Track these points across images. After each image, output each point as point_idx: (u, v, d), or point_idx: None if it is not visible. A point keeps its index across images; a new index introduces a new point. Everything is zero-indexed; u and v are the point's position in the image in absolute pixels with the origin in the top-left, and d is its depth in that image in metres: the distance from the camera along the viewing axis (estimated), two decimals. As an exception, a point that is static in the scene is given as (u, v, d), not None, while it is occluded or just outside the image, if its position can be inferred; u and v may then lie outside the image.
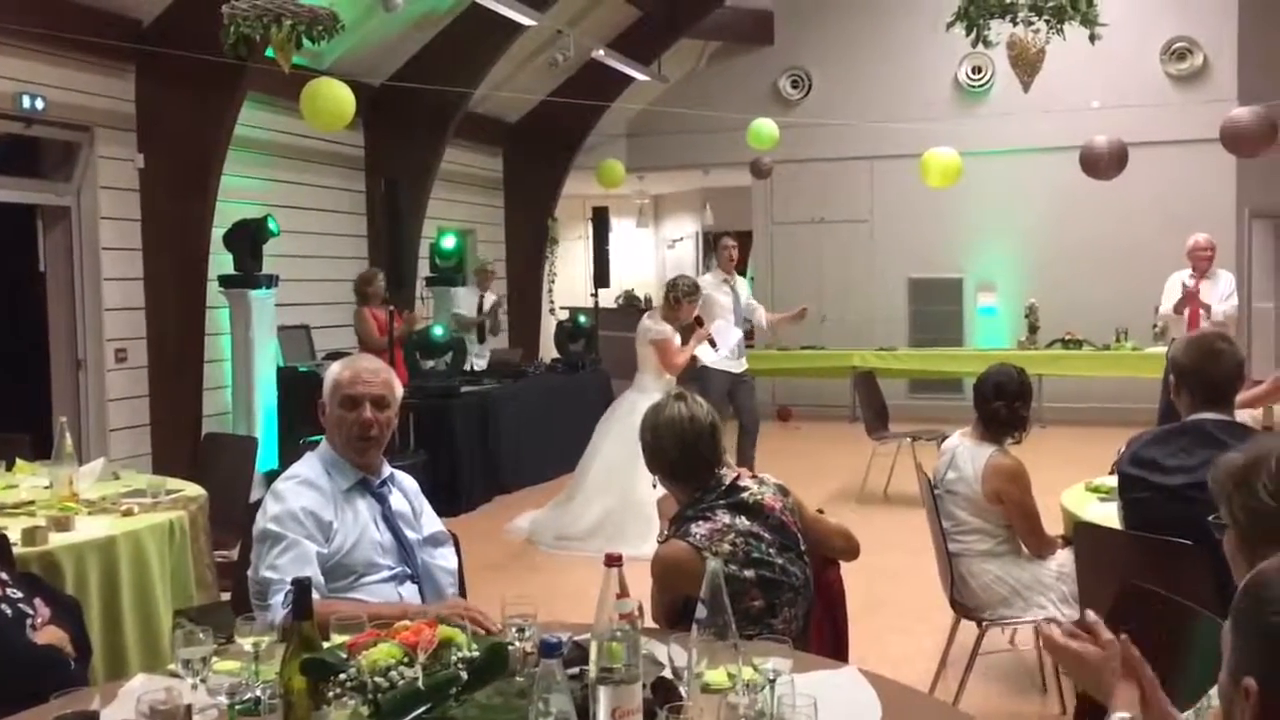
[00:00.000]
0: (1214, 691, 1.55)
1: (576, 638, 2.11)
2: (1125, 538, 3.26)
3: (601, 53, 10.36)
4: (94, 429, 7.30)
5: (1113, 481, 4.20)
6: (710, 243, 16.81)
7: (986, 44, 5.93)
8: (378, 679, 1.66)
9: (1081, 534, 3.45)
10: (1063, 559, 3.91)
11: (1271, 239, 12.41)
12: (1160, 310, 8.44)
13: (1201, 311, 7.85)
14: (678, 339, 6.96)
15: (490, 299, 10.44)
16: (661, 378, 6.88)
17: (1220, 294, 7.99)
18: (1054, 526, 4.09)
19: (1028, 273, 11.95)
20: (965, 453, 4.02)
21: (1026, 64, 5.75)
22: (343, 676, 1.69)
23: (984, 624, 3.94)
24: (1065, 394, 11.31)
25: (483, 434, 8.40)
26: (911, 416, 9.49)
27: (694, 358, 7.23)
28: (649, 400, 6.20)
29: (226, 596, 4.04)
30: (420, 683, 1.66)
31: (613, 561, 2.00)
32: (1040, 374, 11.06)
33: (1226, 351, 3.19)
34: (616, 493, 6.70)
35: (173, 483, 4.42)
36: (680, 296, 6.92)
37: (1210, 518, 1.81)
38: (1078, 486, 4.27)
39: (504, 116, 11.95)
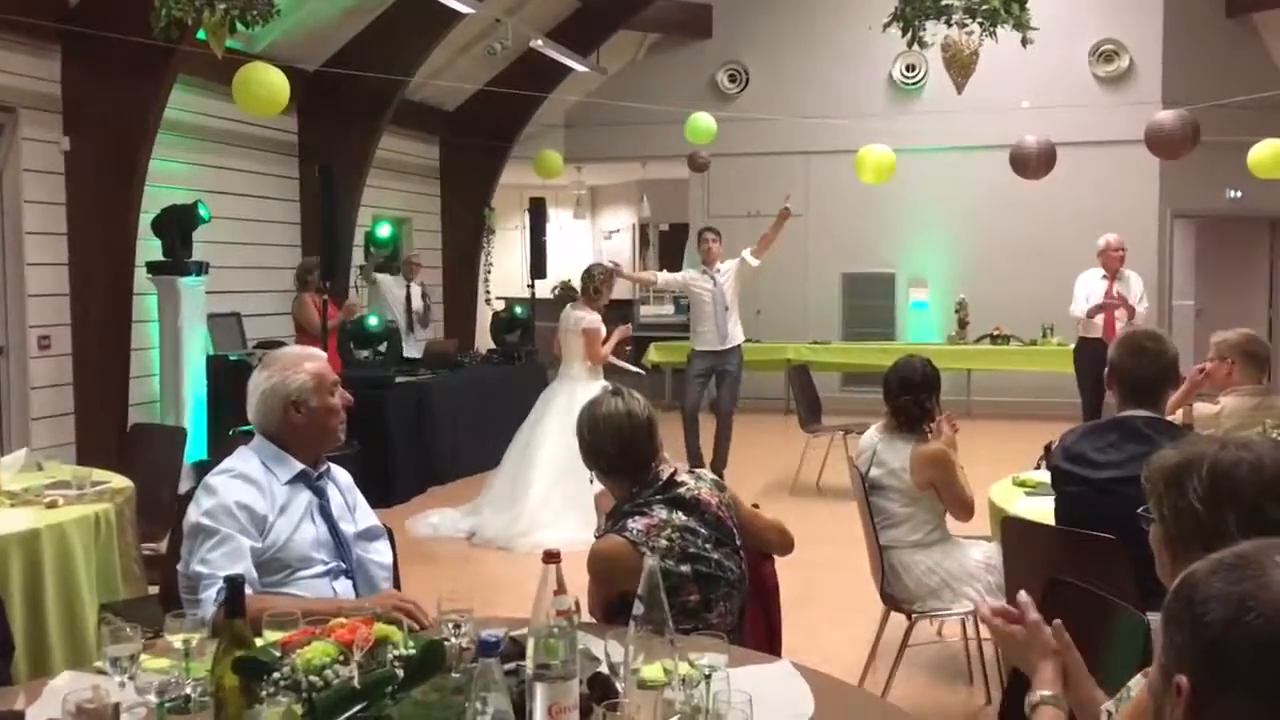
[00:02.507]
0: (1133, 682, 1.60)
1: (513, 633, 2.11)
2: (1050, 532, 3.33)
3: (540, 42, 10.31)
4: (15, 417, 7.11)
5: (1039, 476, 4.32)
6: (645, 236, 16.86)
7: (922, 45, 6.02)
8: (312, 678, 1.64)
9: (1008, 528, 3.52)
10: (990, 550, 4.00)
11: (1192, 239, 12.77)
12: (1072, 311, 8.43)
13: (1117, 316, 8.02)
14: (613, 333, 7.19)
15: (417, 290, 10.31)
16: (590, 367, 7.06)
17: (1134, 295, 8.18)
18: (981, 520, 4.17)
19: (958, 269, 12.15)
20: (887, 448, 4.08)
21: (960, 65, 5.85)
22: (276, 675, 1.68)
23: (913, 616, 4.01)
24: (993, 388, 11.54)
25: (417, 425, 8.34)
26: (844, 409, 9.59)
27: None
28: (585, 389, 6.50)
29: (154, 590, 3.97)
30: (356, 681, 1.65)
31: (551, 558, 2.01)
32: (969, 368, 11.32)
33: (1153, 350, 3.26)
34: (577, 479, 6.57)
35: (99, 474, 4.32)
36: (599, 285, 7.19)
37: (1140, 510, 1.87)
38: (1005, 481, 4.35)
39: (441, 104, 11.85)
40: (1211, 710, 1.05)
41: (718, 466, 8.13)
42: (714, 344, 8.17)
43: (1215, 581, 1.08)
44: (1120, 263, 8.19)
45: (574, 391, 6.78)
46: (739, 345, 8.30)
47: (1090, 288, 8.29)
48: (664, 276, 8.85)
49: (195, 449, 7.14)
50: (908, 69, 12.29)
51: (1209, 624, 1.06)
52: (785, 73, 12.62)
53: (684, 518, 2.68)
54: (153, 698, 1.90)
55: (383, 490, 7.42)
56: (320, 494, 2.78)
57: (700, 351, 8.24)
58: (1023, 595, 1.89)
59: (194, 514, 2.63)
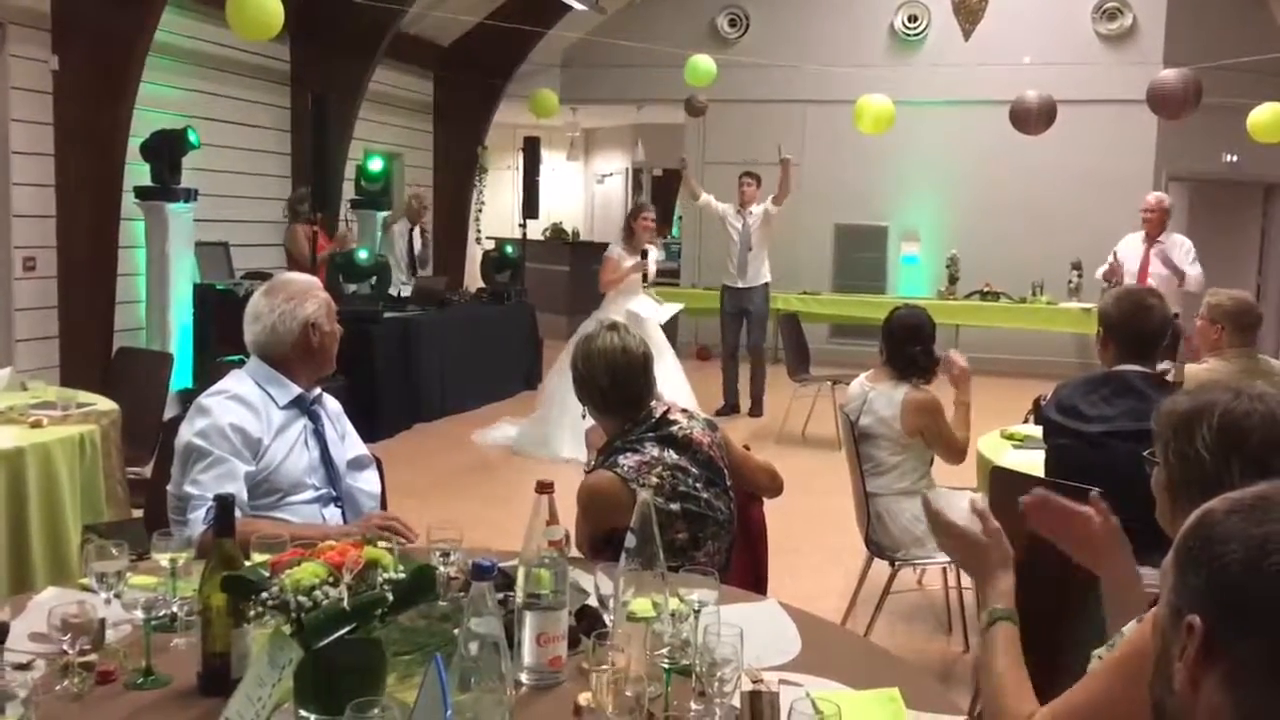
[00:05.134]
0: (1127, 628, 1.60)
1: (503, 564, 2.11)
2: (1038, 483, 3.34)
3: (539, -23, 10.16)
4: (0, 338, 7.05)
5: (1027, 429, 4.33)
6: (639, 181, 16.74)
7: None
8: (301, 598, 1.63)
9: (996, 479, 3.53)
10: (977, 499, 4.00)
11: (1185, 202, 12.72)
12: (1096, 274, 7.94)
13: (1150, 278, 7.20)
14: (627, 262, 7.64)
15: (419, 235, 10.22)
16: (612, 297, 7.59)
17: (1181, 258, 7.39)
18: (968, 472, 4.19)
19: (951, 224, 12.11)
20: (879, 396, 4.08)
21: (969, 12, 5.78)
22: (265, 595, 1.66)
23: (896, 564, 4.03)
24: (981, 344, 11.51)
25: (405, 361, 8.31)
26: (831, 360, 9.60)
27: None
28: (608, 314, 6.94)
29: (139, 513, 3.96)
30: (345, 603, 1.64)
31: (543, 489, 2.00)
32: (958, 324, 11.30)
33: (1156, 307, 3.27)
34: None
35: (84, 396, 4.29)
36: (630, 222, 7.77)
37: (1145, 453, 1.87)
38: (993, 434, 4.37)
39: (437, 39, 11.68)
40: (1226, 651, 1.04)
41: (755, 402, 8.87)
42: (734, 280, 8.87)
43: (1235, 521, 1.07)
44: (1161, 225, 7.46)
45: (604, 314, 7.32)
46: (763, 285, 8.92)
47: (1128, 252, 7.59)
48: (709, 199, 9.19)
49: (180, 377, 7.10)
50: (910, 19, 12.15)
51: (1227, 564, 1.05)
52: (786, 18, 12.47)
53: (675, 456, 2.67)
54: (139, 614, 1.89)
55: (369, 425, 7.39)
56: (315, 419, 2.78)
57: (726, 287, 8.99)
58: (978, 500, 1.90)
59: (186, 434, 2.61)
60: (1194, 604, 1.06)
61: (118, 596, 1.99)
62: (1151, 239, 7.47)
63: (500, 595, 1.97)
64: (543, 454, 7.30)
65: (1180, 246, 7.46)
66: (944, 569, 4.38)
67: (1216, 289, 4.38)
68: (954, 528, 1.87)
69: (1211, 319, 4.23)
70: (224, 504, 1.89)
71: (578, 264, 13.93)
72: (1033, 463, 3.58)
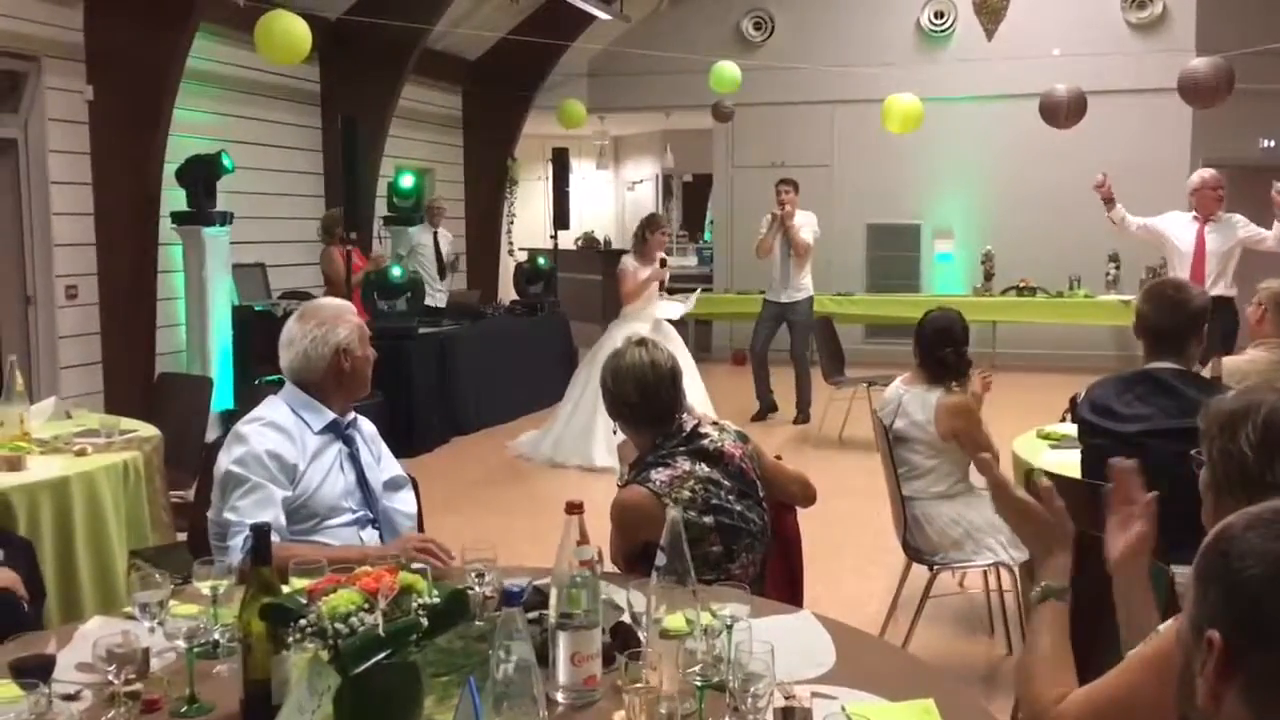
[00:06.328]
0: (1163, 627, 1.59)
1: (537, 582, 2.13)
2: (1075, 485, 3.31)
3: (563, -11, 10.20)
4: (45, 366, 7.18)
5: (1064, 429, 4.29)
6: (669, 186, 16.77)
7: (950, -9, 5.90)
8: (338, 625, 1.66)
9: (1033, 481, 3.49)
10: (1043, 480, 3.98)
11: (1225, 189, 12.55)
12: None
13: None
14: (643, 273, 7.64)
15: (445, 236, 10.26)
16: (633, 309, 7.63)
17: (1254, 234, 6.82)
18: (1005, 472, 4.15)
19: (984, 220, 12.02)
20: (913, 399, 4.07)
21: (990, 11, 5.75)
22: (302, 622, 1.69)
23: (935, 567, 4.02)
24: (1019, 340, 11.46)
25: (441, 375, 8.38)
26: (867, 361, 9.56)
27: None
28: (627, 329, 6.92)
29: (182, 537, 4.02)
30: (380, 629, 1.67)
31: (573, 509, 2.02)
32: (995, 320, 11.23)
33: (1175, 299, 3.22)
34: None
35: (127, 422, 4.37)
36: (642, 233, 7.76)
37: (1193, 452, 1.86)
38: (1029, 434, 4.34)
39: (464, 53, 11.76)
40: (1245, 666, 1.04)
41: (800, 409, 8.80)
42: (777, 294, 8.82)
43: (1253, 537, 1.07)
44: (1219, 203, 6.84)
45: (620, 331, 7.36)
46: (807, 300, 8.85)
47: (1178, 231, 6.95)
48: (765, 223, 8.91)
49: (221, 398, 7.20)
50: (936, 15, 12.08)
51: (1246, 580, 1.05)
52: (811, 19, 12.44)
53: (707, 469, 2.68)
54: (181, 643, 1.93)
55: (406, 440, 7.47)
56: (349, 443, 2.81)
57: (767, 299, 8.95)
58: (1044, 480, 1.90)
59: (225, 462, 2.65)
60: (1213, 619, 1.06)
61: (161, 625, 2.03)
62: (1207, 218, 6.87)
63: (534, 614, 2.00)
64: (548, 460, 7.50)
65: (1244, 223, 6.89)
66: (984, 571, 4.36)
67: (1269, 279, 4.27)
68: (1020, 501, 1.86)
69: (1259, 302, 4.16)
70: (260, 533, 1.93)
71: (610, 272, 13.92)
72: (1070, 463, 3.55)
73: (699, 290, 8.79)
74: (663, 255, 7.76)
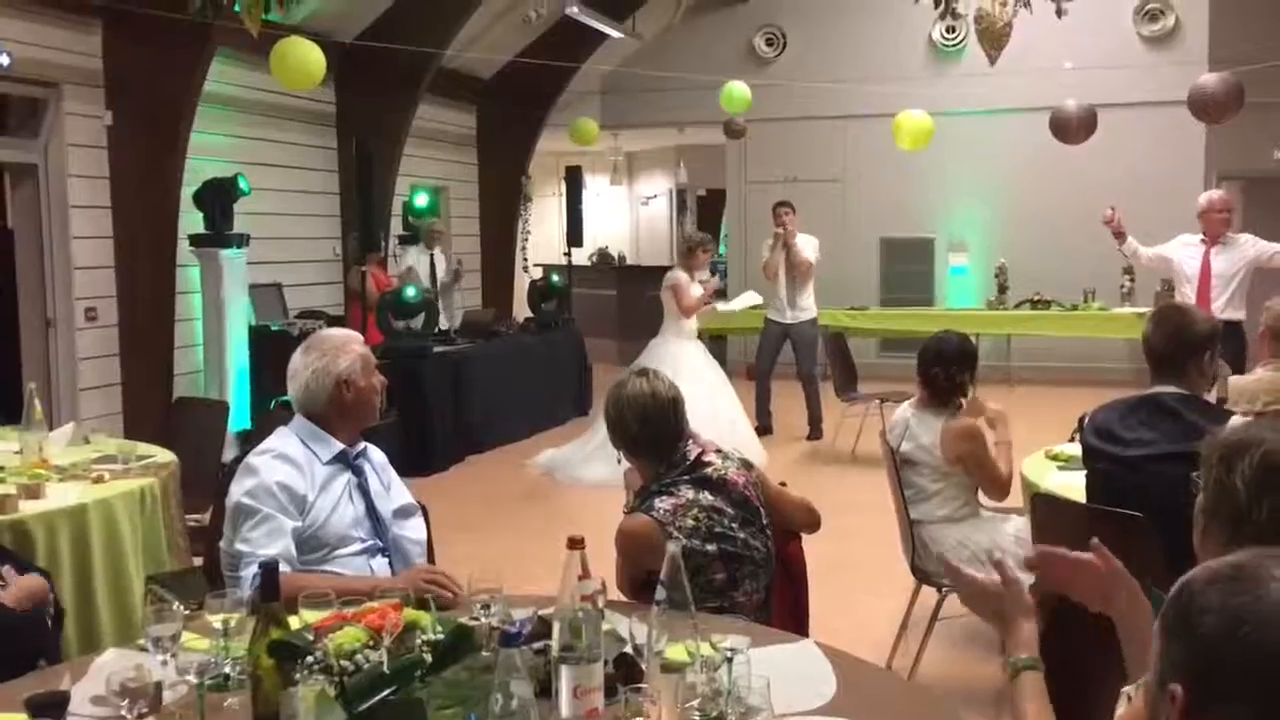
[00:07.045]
0: (1133, 691, 1.62)
1: (541, 612, 2.16)
2: (1080, 508, 3.34)
3: (575, 9, 10.26)
4: (64, 388, 7.28)
5: (1071, 450, 4.30)
6: (683, 202, 16.82)
7: (955, 15, 5.94)
8: (343, 662, 1.70)
9: (1039, 504, 3.52)
10: (1020, 525, 4.00)
11: (1240, 201, 12.52)
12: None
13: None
14: (695, 287, 7.87)
15: (441, 259, 10.27)
16: (679, 322, 7.82)
17: (1265, 247, 6.72)
18: (1014, 496, 4.17)
19: (998, 233, 12.02)
20: (919, 423, 4.10)
21: (993, 37, 5.77)
22: (309, 659, 1.73)
23: (943, 589, 4.03)
24: (1034, 354, 11.45)
25: (455, 394, 8.43)
26: (881, 375, 9.57)
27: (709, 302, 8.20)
28: (675, 343, 7.64)
29: (199, 561, 4.07)
30: (385, 666, 1.71)
31: (575, 544, 2.06)
32: (1009, 334, 11.22)
33: (1176, 322, 3.23)
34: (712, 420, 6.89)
35: (143, 448, 4.42)
36: (693, 246, 7.99)
37: (1193, 475, 1.88)
38: (1037, 454, 4.34)
39: (477, 73, 11.85)
40: (1207, 718, 1.07)
41: (813, 425, 8.83)
42: (781, 314, 8.81)
43: (1211, 594, 1.10)
44: (1226, 225, 6.77)
45: (665, 345, 7.75)
46: (810, 321, 8.86)
47: (1184, 256, 6.85)
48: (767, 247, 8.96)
49: (239, 418, 7.27)
50: (948, 31, 12.10)
51: (1203, 636, 1.08)
52: (823, 36, 12.49)
53: (711, 497, 2.72)
54: (193, 677, 1.97)
55: (422, 459, 7.53)
56: (359, 473, 2.85)
57: (771, 320, 8.93)
58: (997, 556, 1.92)
59: (235, 494, 2.70)
60: (1175, 673, 1.09)
61: (173, 659, 2.07)
62: (1214, 240, 6.78)
63: (539, 645, 2.04)
64: (571, 478, 7.53)
65: (1253, 241, 6.81)
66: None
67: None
68: (973, 582, 1.90)
69: (1266, 323, 4.12)
70: (268, 570, 1.97)
71: (625, 287, 14.01)
72: (1077, 485, 3.55)
73: (757, 299, 8.84)
74: (705, 269, 8.02)
